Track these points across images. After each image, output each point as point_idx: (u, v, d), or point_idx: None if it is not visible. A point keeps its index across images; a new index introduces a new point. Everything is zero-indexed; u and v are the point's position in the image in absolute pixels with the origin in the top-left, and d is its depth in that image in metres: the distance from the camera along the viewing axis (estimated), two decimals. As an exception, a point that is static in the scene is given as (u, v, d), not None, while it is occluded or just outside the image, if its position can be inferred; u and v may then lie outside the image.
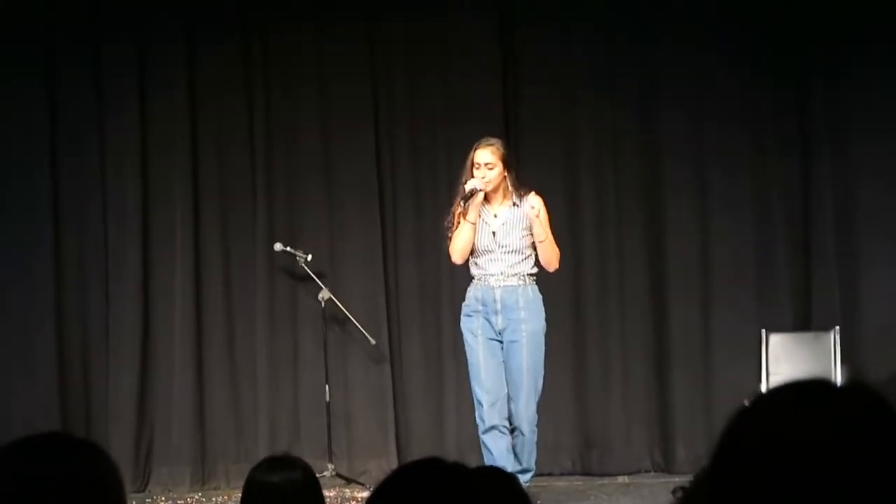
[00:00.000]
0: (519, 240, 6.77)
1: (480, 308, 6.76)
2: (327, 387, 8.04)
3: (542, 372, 6.82)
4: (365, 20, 8.32)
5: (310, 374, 8.21)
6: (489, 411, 6.72)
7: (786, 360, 7.88)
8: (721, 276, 8.30)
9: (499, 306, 6.73)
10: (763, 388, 7.71)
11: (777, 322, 8.13)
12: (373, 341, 8.05)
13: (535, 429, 6.80)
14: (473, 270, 6.84)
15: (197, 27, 8.28)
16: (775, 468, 1.28)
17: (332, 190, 8.30)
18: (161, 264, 8.22)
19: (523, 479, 6.71)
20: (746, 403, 1.39)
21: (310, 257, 8.06)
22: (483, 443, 6.78)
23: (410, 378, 8.32)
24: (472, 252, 6.79)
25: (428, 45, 8.36)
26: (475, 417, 6.84)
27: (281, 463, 3.42)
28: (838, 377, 7.79)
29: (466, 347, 6.84)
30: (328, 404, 8.04)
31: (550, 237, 6.82)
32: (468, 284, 6.89)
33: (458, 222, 6.80)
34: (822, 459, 1.27)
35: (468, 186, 6.72)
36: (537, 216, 6.73)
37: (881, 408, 1.32)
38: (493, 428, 6.74)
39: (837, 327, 7.93)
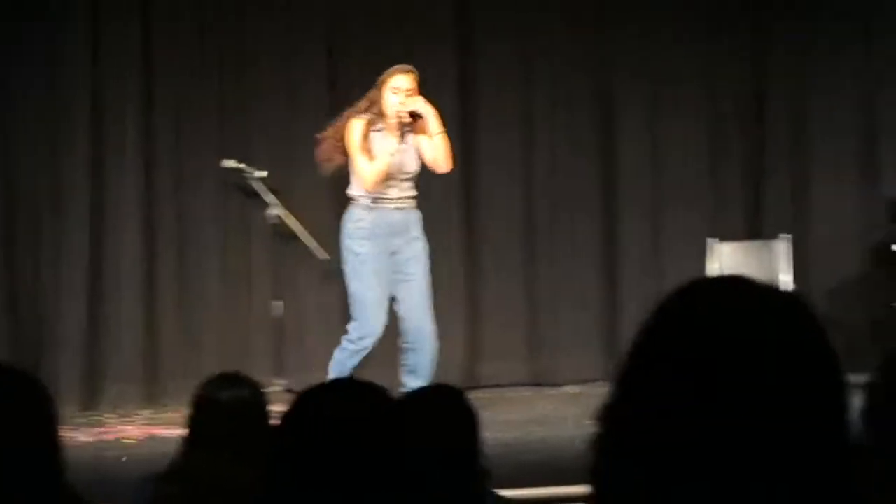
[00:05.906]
0: (416, 165, 6.65)
1: (379, 232, 6.56)
2: (277, 303, 7.99)
3: None
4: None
5: (260, 290, 8.16)
6: (374, 338, 6.60)
7: (735, 268, 7.90)
8: (672, 185, 8.34)
9: (399, 228, 6.58)
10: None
11: (728, 230, 8.18)
12: (325, 256, 7.93)
13: None
14: (365, 194, 6.57)
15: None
16: (686, 361, 1.24)
17: (286, 103, 8.22)
18: (111, 183, 8.12)
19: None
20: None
21: (266, 174, 7.93)
22: (351, 362, 6.62)
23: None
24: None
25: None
26: (349, 339, 6.65)
27: (229, 380, 3.40)
28: (788, 285, 7.85)
29: (362, 273, 6.59)
30: (279, 320, 8.00)
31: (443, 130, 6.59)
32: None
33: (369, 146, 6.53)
34: (735, 355, 1.24)
35: (408, 109, 6.47)
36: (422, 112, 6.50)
37: (801, 309, 1.28)
38: (365, 351, 6.61)
39: (788, 235, 7.97)
